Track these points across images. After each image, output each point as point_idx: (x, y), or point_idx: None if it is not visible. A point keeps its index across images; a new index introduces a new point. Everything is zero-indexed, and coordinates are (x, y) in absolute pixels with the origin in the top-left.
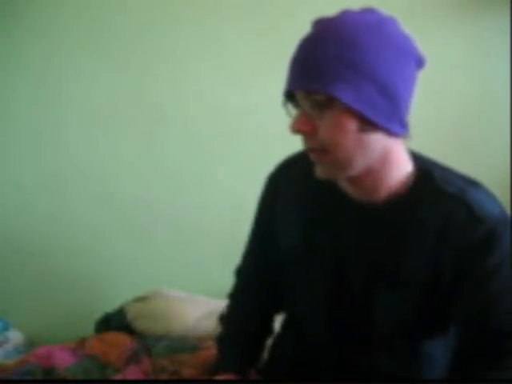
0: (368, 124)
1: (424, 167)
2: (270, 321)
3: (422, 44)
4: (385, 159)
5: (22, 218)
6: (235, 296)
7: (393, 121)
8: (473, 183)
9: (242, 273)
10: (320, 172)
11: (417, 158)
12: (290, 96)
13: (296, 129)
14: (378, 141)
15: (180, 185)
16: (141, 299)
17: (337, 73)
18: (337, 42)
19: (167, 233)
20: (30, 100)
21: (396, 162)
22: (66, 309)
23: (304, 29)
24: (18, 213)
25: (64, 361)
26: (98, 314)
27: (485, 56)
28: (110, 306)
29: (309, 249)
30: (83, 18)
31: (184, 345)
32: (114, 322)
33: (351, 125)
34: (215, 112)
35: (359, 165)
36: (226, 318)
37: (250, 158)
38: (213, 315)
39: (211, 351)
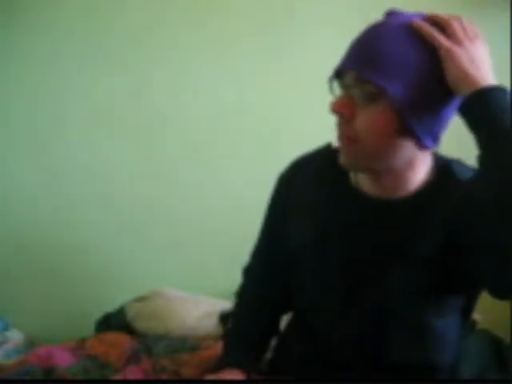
0: (406, 130)
1: (442, 163)
2: (277, 320)
3: None
4: (408, 164)
5: (22, 218)
6: (243, 295)
7: (429, 135)
8: None
9: (250, 271)
10: (344, 160)
11: (434, 156)
12: (339, 74)
13: (337, 109)
14: (408, 147)
15: (180, 185)
16: (141, 299)
17: (395, 70)
18: (402, 41)
19: (167, 233)
20: (30, 100)
21: (418, 168)
22: (66, 309)
23: (302, 28)
24: (18, 212)
25: (64, 361)
26: (98, 314)
27: None
28: (110, 305)
29: (323, 247)
30: (84, 18)
31: (184, 345)
32: (114, 321)
33: (391, 124)
34: (215, 112)
35: (384, 164)
36: (233, 316)
37: (250, 159)
38: (213, 315)
39: (211, 351)
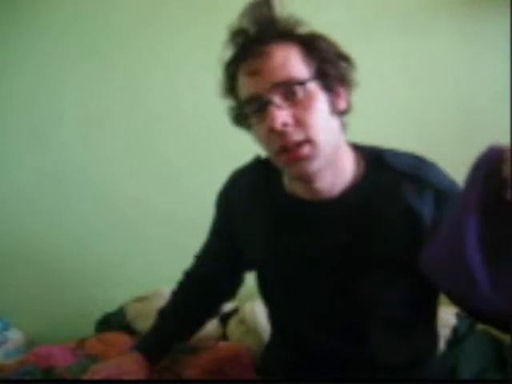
0: (330, 105)
1: (372, 153)
2: (202, 321)
3: (422, 44)
4: (338, 149)
5: (21, 218)
6: (177, 294)
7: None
8: (422, 160)
9: (191, 276)
10: (302, 169)
11: (361, 148)
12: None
13: (283, 123)
14: (336, 125)
15: (177, 184)
16: (141, 299)
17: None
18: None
19: (166, 233)
20: (26, 101)
21: (345, 152)
22: (66, 309)
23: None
24: (17, 213)
25: (64, 361)
26: (98, 314)
27: (485, 56)
28: (110, 305)
29: (281, 257)
30: (79, 18)
31: (184, 345)
32: (114, 321)
33: (323, 106)
34: (211, 110)
35: (330, 151)
36: (161, 313)
37: (247, 157)
38: None
39: (211, 352)
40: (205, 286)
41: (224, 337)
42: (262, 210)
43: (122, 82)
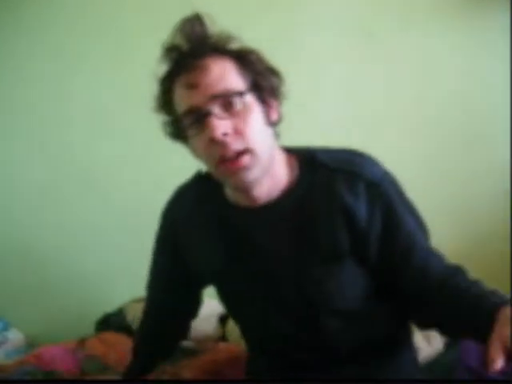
0: (265, 116)
1: (305, 154)
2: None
3: (423, 44)
4: (273, 156)
5: (22, 219)
6: (143, 333)
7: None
8: (355, 153)
9: (150, 312)
10: (249, 176)
11: (295, 150)
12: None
13: (223, 133)
14: (271, 135)
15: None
16: (140, 300)
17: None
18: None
19: None
20: (31, 100)
21: (279, 159)
22: (66, 309)
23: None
24: (18, 213)
25: (65, 365)
26: (98, 314)
27: (485, 56)
28: (110, 306)
29: (235, 270)
30: (86, 16)
31: (183, 346)
32: (114, 322)
33: (259, 117)
34: None
35: (267, 160)
36: (134, 351)
37: None
38: (212, 317)
39: (211, 353)
40: (166, 314)
41: (223, 337)
42: (207, 223)
43: (129, 83)
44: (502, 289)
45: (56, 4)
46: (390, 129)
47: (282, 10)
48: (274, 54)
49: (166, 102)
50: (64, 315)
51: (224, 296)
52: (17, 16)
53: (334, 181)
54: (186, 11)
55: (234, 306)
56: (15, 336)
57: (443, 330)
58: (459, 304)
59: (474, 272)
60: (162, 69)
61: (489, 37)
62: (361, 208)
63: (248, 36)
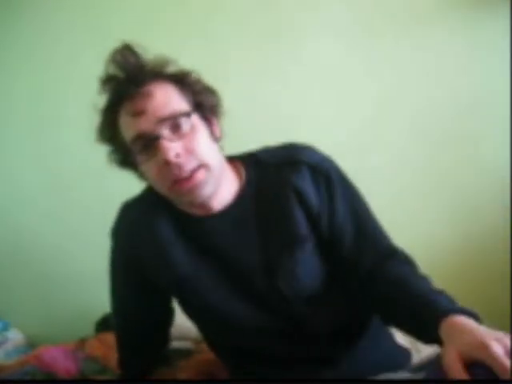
0: (209, 133)
1: (248, 158)
2: (160, 352)
3: (423, 44)
4: (224, 169)
5: (22, 218)
6: (123, 350)
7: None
8: (294, 145)
9: (124, 332)
10: (201, 195)
11: (238, 157)
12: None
13: (176, 155)
14: (218, 150)
15: None
16: None
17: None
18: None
19: None
20: (29, 99)
21: (226, 169)
22: (66, 309)
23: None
24: (18, 213)
25: (65, 368)
26: (98, 314)
27: (485, 56)
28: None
29: (201, 276)
30: (83, 15)
31: (180, 347)
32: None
33: (205, 134)
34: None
35: (218, 173)
36: (121, 365)
37: None
38: None
39: (207, 354)
40: (141, 330)
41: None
42: (163, 235)
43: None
44: (502, 289)
45: (54, 3)
46: (391, 129)
47: (282, 10)
48: (274, 54)
49: (110, 131)
50: (64, 316)
51: (192, 305)
52: (15, 13)
53: (280, 171)
54: (186, 14)
55: (205, 313)
56: (15, 336)
57: (385, 320)
58: (400, 293)
59: (474, 272)
60: (102, 100)
61: (489, 37)
62: (308, 189)
63: (248, 36)
